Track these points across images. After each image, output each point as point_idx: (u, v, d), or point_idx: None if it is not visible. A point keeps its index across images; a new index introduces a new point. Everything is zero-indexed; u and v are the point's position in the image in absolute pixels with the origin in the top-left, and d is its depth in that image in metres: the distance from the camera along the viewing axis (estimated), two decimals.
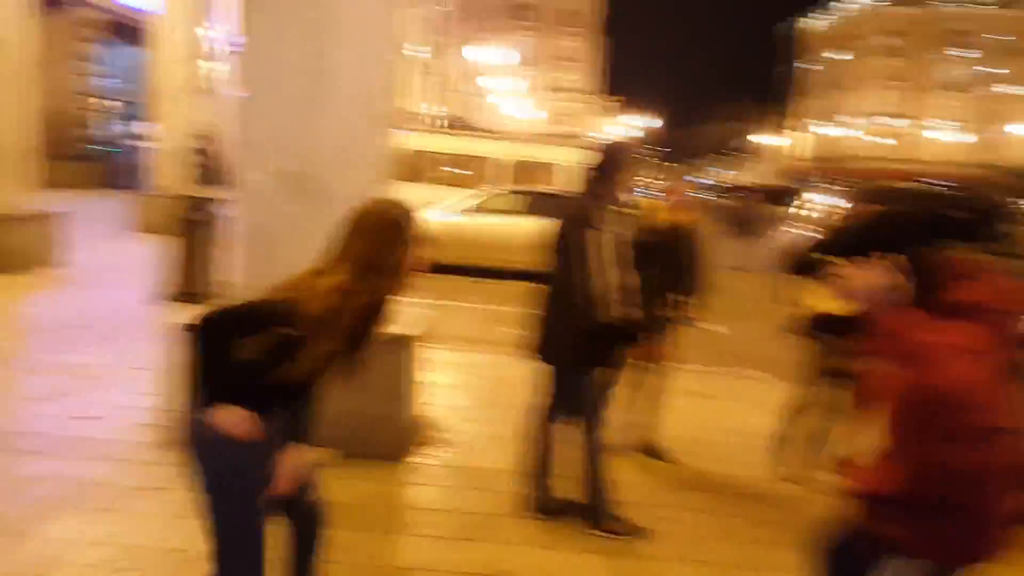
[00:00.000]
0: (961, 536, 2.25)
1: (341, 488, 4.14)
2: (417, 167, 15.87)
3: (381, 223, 2.53)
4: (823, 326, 4.87)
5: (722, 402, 6.68)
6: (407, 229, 2.56)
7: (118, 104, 25.99)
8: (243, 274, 4.89)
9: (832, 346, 4.85)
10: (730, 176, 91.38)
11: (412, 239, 2.56)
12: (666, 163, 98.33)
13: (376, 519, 4.04)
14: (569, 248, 3.92)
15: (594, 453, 4.07)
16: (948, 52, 77.51)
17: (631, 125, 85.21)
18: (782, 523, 4.37)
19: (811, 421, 5.04)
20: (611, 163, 4.06)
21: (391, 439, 4.83)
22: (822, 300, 4.79)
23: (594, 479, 4.08)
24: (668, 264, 5.02)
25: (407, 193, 12.04)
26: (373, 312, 2.54)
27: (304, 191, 4.69)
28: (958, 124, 77.35)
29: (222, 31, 14.89)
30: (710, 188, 35.56)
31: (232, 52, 5.08)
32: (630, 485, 4.58)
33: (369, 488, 4.34)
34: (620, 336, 3.95)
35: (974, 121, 76.46)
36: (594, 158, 4.14)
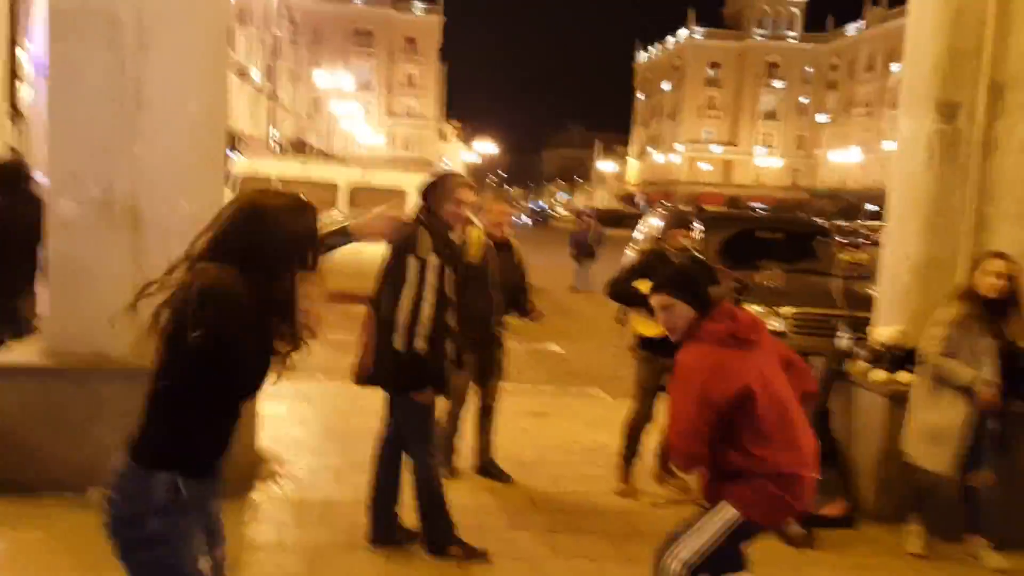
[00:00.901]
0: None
1: None
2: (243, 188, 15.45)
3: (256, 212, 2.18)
4: (647, 347, 5.10)
5: (558, 420, 6.82)
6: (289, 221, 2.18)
7: None
8: (51, 307, 4.59)
9: (656, 365, 5.08)
10: (566, 201, 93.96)
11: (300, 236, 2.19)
12: (505, 188, 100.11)
13: None
14: (388, 274, 3.94)
15: (428, 478, 4.07)
16: (764, 83, 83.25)
17: (472, 150, 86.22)
18: (623, 537, 4.50)
19: (648, 436, 5.24)
20: (438, 190, 4.10)
21: (230, 475, 4.63)
22: (643, 324, 5.02)
23: (431, 504, 4.07)
24: (490, 284, 5.10)
25: None
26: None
27: (114, 220, 4.47)
28: (773, 149, 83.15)
29: (31, 51, 13.96)
30: (539, 212, 35.95)
31: (39, 75, 4.78)
32: (468, 508, 4.59)
33: None
34: (418, 367, 3.93)
35: (787, 147, 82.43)
36: (422, 186, 4.17)
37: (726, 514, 2.99)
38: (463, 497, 4.81)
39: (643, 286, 5.00)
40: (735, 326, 3.03)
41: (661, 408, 5.26)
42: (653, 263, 5.12)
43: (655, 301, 3.17)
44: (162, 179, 4.54)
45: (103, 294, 4.50)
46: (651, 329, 4.94)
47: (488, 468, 5.33)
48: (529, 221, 28.69)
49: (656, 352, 5.06)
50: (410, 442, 4.07)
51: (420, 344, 3.86)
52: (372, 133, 62.25)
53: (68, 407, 4.44)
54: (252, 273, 2.09)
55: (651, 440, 5.35)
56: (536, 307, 5.53)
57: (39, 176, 5.83)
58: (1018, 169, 4.97)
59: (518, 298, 5.40)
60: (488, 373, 5.27)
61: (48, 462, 4.42)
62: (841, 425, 5.02)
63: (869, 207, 28.91)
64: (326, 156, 25.50)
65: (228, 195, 16.68)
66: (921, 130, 5.12)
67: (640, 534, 4.57)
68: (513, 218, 5.59)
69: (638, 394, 5.21)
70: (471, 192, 4.20)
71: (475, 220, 5.05)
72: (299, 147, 29.88)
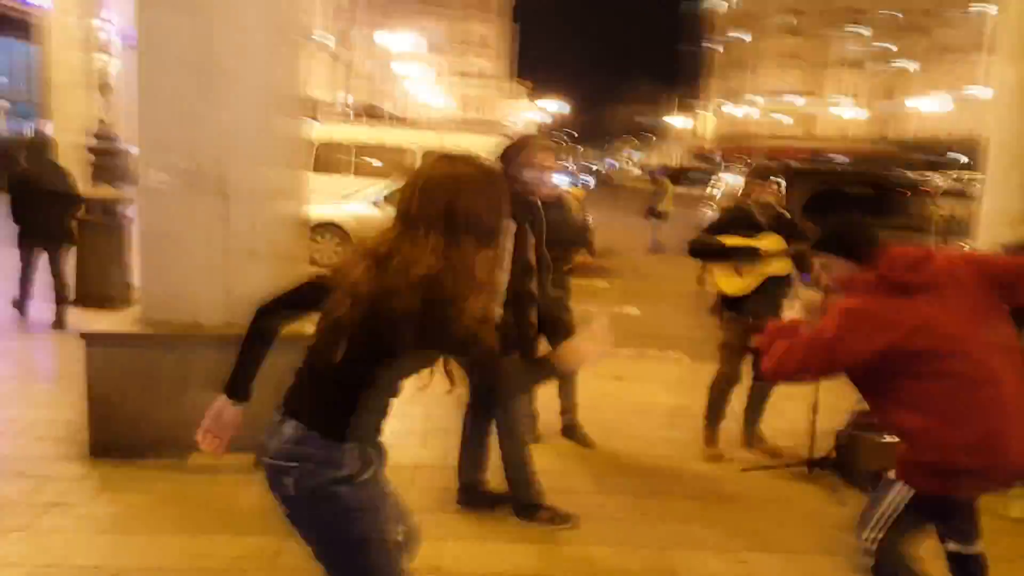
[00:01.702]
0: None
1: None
2: (327, 157, 15.59)
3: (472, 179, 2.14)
4: (731, 306, 4.99)
5: (637, 383, 6.75)
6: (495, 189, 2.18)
7: (5, 103, 24.76)
8: (142, 276, 4.72)
9: (741, 324, 4.97)
10: (638, 158, 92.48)
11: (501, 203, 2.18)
12: (577, 147, 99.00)
13: None
14: None
15: (514, 442, 4.07)
16: (845, 29, 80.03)
17: (541, 110, 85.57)
18: (711, 501, 4.46)
19: (732, 398, 5.15)
20: (517, 154, 4.05)
21: None
22: (726, 280, 4.91)
23: (517, 468, 4.08)
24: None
25: (318, 184, 11.91)
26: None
27: (200, 187, 4.54)
28: (854, 100, 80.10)
29: (116, 23, 14.30)
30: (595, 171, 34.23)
31: (126, 46, 4.88)
32: (554, 472, 4.59)
33: None
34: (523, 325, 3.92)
35: (870, 96, 79.29)
36: (501, 149, 4.13)
37: (894, 485, 2.74)
38: (548, 461, 4.80)
39: (727, 240, 4.89)
40: (885, 269, 2.66)
41: (747, 370, 5.17)
42: (736, 218, 5.00)
43: (817, 260, 2.94)
44: (245, 146, 4.59)
45: (192, 262, 4.62)
46: (734, 285, 4.84)
47: (571, 432, 5.31)
48: (590, 181, 27.60)
49: (741, 311, 4.96)
50: (495, 407, 4.07)
51: (496, 311, 3.82)
52: (443, 96, 62.20)
53: (161, 373, 4.58)
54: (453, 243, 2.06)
55: (738, 403, 5.26)
56: (593, 247, 5.40)
57: (130, 147, 6.04)
58: None
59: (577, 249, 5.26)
60: (556, 334, 5.19)
61: (146, 427, 4.57)
62: None
63: (959, 157, 27.57)
64: (399, 121, 25.59)
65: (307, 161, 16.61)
66: None
67: (728, 498, 4.53)
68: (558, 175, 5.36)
69: (723, 355, 5.11)
70: (551, 154, 4.14)
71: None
72: (371, 112, 30.07)
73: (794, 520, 4.29)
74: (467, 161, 2.19)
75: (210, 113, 4.52)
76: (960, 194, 10.87)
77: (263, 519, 3.85)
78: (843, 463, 4.65)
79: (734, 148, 69.08)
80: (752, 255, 4.76)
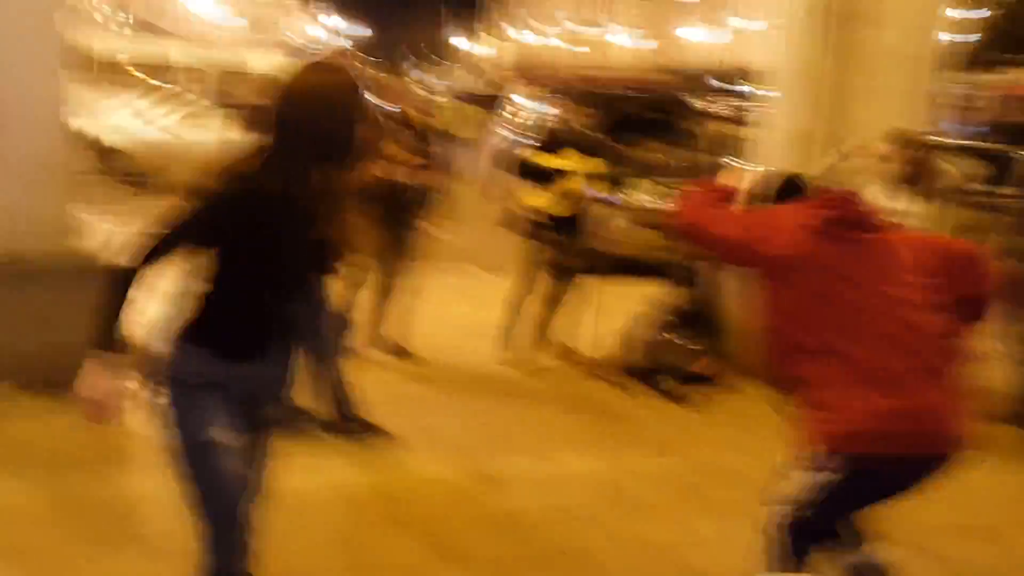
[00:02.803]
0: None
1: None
2: (98, 73, 14.31)
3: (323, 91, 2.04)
4: (543, 224, 5.17)
5: (434, 296, 6.78)
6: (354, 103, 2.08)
7: None
8: None
9: (550, 242, 5.18)
10: (435, 83, 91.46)
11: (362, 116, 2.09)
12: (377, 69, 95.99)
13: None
14: None
15: (329, 361, 4.05)
16: None
17: (333, 29, 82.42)
18: (504, 397, 4.72)
19: (532, 310, 5.36)
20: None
21: None
22: (534, 196, 5.08)
23: (335, 387, 4.07)
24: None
25: (85, 99, 10.72)
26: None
27: None
28: (640, 31, 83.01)
29: None
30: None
31: None
32: (374, 388, 4.61)
33: None
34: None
35: (653, 27, 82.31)
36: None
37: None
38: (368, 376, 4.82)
39: (549, 160, 5.04)
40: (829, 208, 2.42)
41: (541, 282, 5.37)
42: (561, 136, 5.16)
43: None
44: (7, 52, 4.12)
45: None
46: (541, 200, 5.01)
47: (395, 347, 5.31)
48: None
49: (544, 228, 5.14)
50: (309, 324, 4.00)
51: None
52: (227, 13, 58.41)
53: None
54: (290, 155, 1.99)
55: (531, 311, 5.45)
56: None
57: None
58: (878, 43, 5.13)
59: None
60: (393, 253, 5.18)
61: None
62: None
63: (716, 83, 29.48)
64: (179, 36, 23.82)
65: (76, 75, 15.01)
66: None
67: (521, 395, 4.84)
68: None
69: (523, 268, 5.31)
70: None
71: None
72: (147, 26, 27.71)
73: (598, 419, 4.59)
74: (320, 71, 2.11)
75: None
76: (736, 120, 11.70)
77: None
78: (652, 367, 5.01)
79: (534, 76, 69.79)
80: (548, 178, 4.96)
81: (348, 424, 4.08)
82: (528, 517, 3.48)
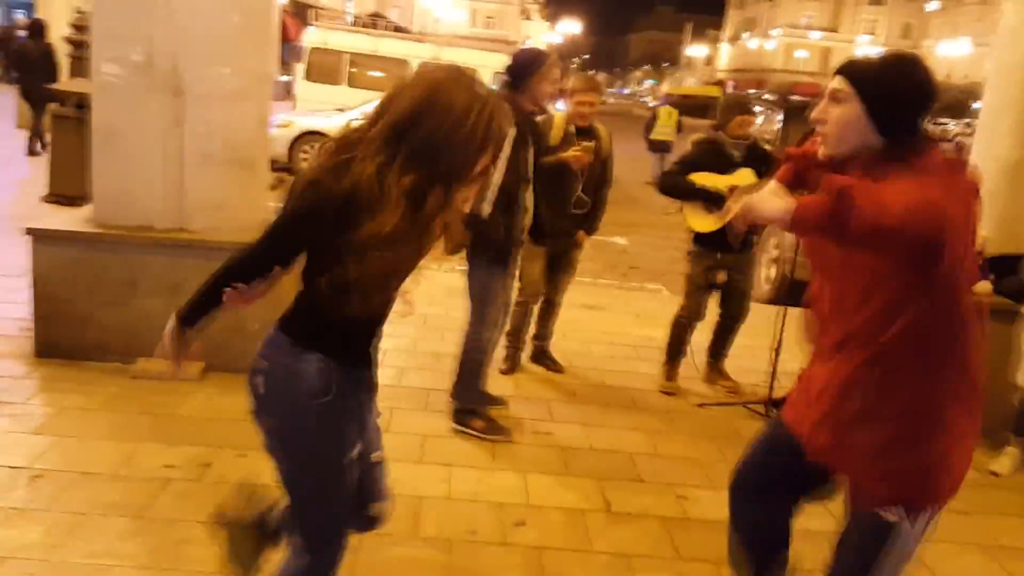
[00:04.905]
0: None
1: (192, 405, 3.99)
2: (320, 65, 15.19)
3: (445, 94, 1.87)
4: (700, 242, 4.85)
5: (610, 314, 6.66)
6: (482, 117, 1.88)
7: None
8: (94, 174, 4.55)
9: (707, 261, 4.86)
10: (653, 87, 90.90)
11: (488, 135, 1.89)
12: (590, 71, 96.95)
13: None
14: None
15: (476, 347, 4.05)
16: None
17: (554, 31, 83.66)
18: (659, 433, 4.39)
19: (698, 335, 5.06)
20: (527, 67, 3.88)
21: None
22: (697, 219, 4.76)
23: (469, 373, 4.08)
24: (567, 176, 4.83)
25: (309, 93, 11.64)
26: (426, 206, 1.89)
27: (154, 83, 4.33)
28: (875, 38, 78.24)
29: None
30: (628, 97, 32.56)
31: None
32: (512, 396, 4.57)
33: None
34: (479, 230, 3.85)
35: (888, 35, 77.42)
36: (510, 60, 3.98)
37: None
38: (506, 385, 4.80)
39: (698, 179, 4.70)
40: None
41: (712, 307, 5.06)
42: (707, 154, 4.80)
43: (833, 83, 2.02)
44: (202, 42, 4.36)
45: (144, 163, 4.45)
46: (705, 224, 4.68)
47: (540, 357, 5.24)
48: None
49: (709, 247, 4.82)
50: (471, 305, 4.01)
51: (485, 208, 3.77)
52: (452, 9, 60.70)
53: (109, 275, 4.45)
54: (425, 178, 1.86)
55: (702, 339, 5.17)
56: (596, 228, 5.20)
57: None
58: None
59: (599, 194, 5.03)
60: (559, 268, 5.08)
61: (91, 329, 4.48)
62: None
63: (977, 105, 27.01)
64: (401, 31, 24.89)
65: (298, 68, 16.33)
66: None
67: (678, 431, 4.46)
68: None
69: (688, 290, 4.99)
70: (559, 72, 3.97)
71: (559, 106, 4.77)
72: (380, 23, 29.23)
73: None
74: (458, 81, 1.90)
75: (171, 7, 4.28)
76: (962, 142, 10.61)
77: (199, 429, 3.86)
78: None
79: (749, 81, 67.78)
80: (718, 199, 4.55)
81: (469, 413, 4.10)
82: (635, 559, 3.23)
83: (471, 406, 4.12)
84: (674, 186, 4.77)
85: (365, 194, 1.82)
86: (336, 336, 2.01)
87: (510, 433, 4.10)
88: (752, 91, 28.87)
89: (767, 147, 5.02)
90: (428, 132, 1.84)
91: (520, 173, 3.92)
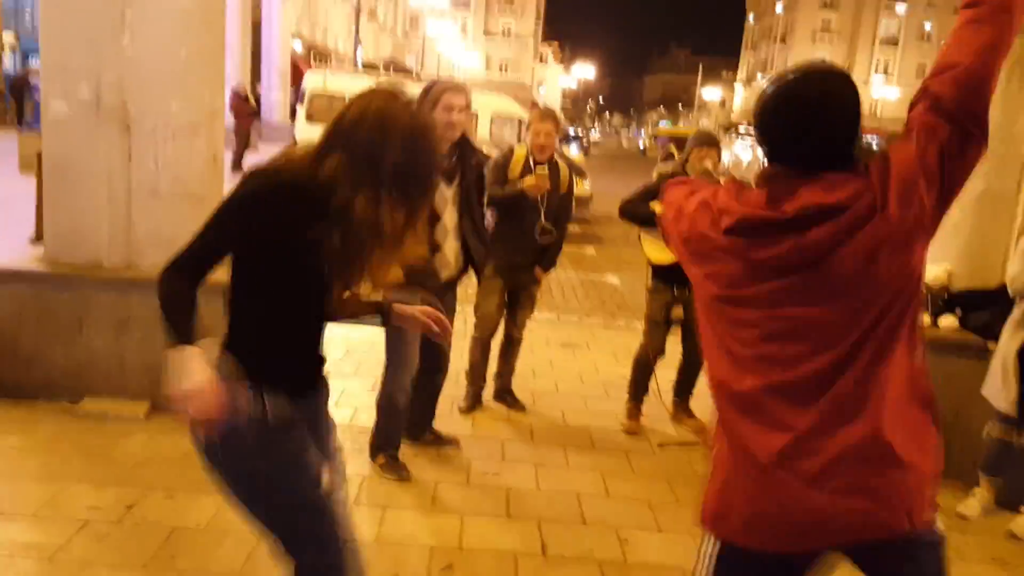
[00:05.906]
0: None
1: (132, 445, 3.91)
2: (319, 107, 15.31)
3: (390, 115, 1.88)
4: (658, 275, 4.74)
5: (587, 352, 6.54)
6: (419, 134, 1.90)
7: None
8: (45, 211, 4.52)
9: (665, 296, 4.75)
10: (663, 128, 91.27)
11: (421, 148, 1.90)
12: (603, 113, 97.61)
13: None
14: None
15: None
16: (885, 5, 78.13)
17: (569, 74, 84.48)
18: (614, 474, 4.24)
19: (663, 371, 4.93)
20: (423, 98, 3.81)
21: None
22: (654, 248, 4.66)
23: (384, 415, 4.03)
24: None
25: (308, 135, 11.58)
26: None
27: (102, 118, 4.31)
28: (889, 77, 78.36)
29: None
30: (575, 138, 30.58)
31: None
32: (469, 436, 4.48)
33: None
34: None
35: (902, 75, 77.49)
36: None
37: None
38: (464, 424, 4.69)
39: (657, 207, 4.61)
40: None
41: (674, 342, 4.93)
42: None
43: None
44: (151, 76, 4.33)
45: (93, 198, 4.41)
46: (662, 254, 4.58)
47: (502, 396, 5.12)
48: (574, 149, 24.42)
49: (666, 282, 4.72)
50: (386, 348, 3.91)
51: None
52: (466, 53, 61.41)
53: (57, 313, 4.40)
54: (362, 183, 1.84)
55: (668, 376, 5.03)
56: (554, 263, 5.06)
57: None
58: None
59: (559, 229, 4.90)
60: (517, 303, 4.98)
61: (39, 368, 4.41)
62: None
63: None
64: (407, 75, 25.16)
65: (300, 113, 16.33)
66: None
67: (633, 472, 4.31)
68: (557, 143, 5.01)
69: (646, 328, 4.87)
70: (461, 96, 3.86)
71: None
72: (389, 66, 29.62)
73: (691, 499, 4.07)
74: (403, 104, 1.92)
75: (112, 36, 4.27)
76: None
77: (132, 470, 3.76)
78: None
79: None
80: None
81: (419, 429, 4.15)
82: None
83: (382, 442, 4.03)
84: (633, 213, 4.67)
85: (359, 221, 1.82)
86: (266, 363, 1.93)
87: (408, 473, 3.94)
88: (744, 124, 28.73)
89: (721, 180, 4.92)
90: (397, 158, 1.84)
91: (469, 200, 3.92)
